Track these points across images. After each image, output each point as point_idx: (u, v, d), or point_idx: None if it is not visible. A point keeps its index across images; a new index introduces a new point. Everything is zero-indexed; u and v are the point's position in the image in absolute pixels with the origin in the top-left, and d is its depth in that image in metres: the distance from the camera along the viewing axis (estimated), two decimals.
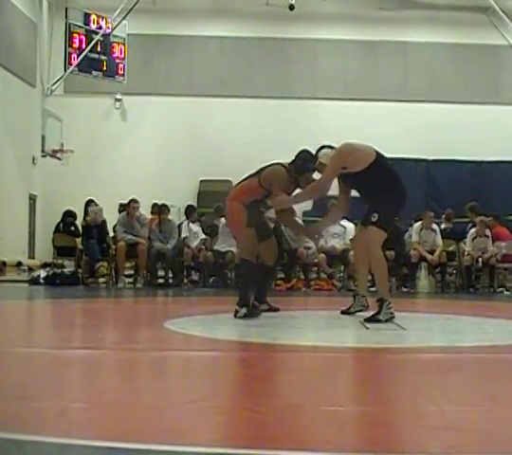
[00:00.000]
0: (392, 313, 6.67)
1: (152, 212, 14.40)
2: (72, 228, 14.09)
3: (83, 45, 18.24)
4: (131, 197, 13.54)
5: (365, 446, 2.63)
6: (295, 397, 3.53)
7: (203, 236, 13.75)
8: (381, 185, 7.03)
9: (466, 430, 2.82)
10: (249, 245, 7.35)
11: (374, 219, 6.87)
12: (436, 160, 20.28)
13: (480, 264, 13.34)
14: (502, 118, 20.22)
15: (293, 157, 7.36)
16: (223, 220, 13.60)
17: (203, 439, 2.64)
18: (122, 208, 14.15)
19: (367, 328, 6.42)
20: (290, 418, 3.02)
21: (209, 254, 13.30)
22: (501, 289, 13.34)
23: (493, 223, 14.10)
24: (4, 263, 16.28)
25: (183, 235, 13.50)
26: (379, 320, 6.59)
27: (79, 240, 13.80)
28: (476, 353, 5.12)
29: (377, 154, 7.19)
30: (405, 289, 13.16)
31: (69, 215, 14.21)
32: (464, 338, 6.27)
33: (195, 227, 13.72)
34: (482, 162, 19.96)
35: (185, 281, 13.52)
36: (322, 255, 13.15)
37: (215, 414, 3.04)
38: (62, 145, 17.79)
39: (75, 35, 18.28)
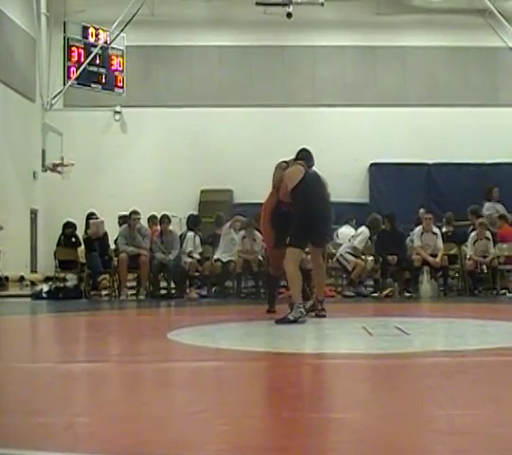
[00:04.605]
0: (301, 312, 7.63)
1: (149, 225, 14.32)
2: (73, 240, 14.07)
3: (82, 59, 18.27)
4: (132, 209, 13.55)
5: (371, 452, 2.63)
6: (301, 405, 3.53)
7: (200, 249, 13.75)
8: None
9: (471, 434, 2.83)
10: (276, 264, 8.69)
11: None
12: (437, 164, 20.28)
13: (485, 270, 13.34)
14: (502, 120, 20.21)
15: (294, 156, 8.57)
16: (225, 228, 13.62)
17: (209, 450, 2.65)
18: (122, 220, 14.13)
19: (370, 334, 6.42)
20: (296, 426, 3.02)
21: (217, 264, 13.23)
22: (503, 291, 13.31)
23: (501, 223, 14.10)
24: (6, 278, 16.26)
25: (189, 248, 13.45)
26: (289, 319, 7.50)
27: (81, 253, 13.78)
28: (480, 356, 5.12)
29: None
30: (407, 294, 13.14)
31: (68, 226, 14.19)
32: (468, 342, 6.27)
33: (198, 239, 13.70)
34: (482, 164, 19.95)
35: (188, 291, 13.47)
36: None
37: (221, 425, 3.04)
38: (62, 159, 17.80)
39: (73, 49, 18.32)
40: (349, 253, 13.34)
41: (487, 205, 15.00)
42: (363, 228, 13.57)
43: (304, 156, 8.54)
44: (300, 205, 8.13)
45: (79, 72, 18.12)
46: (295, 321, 7.50)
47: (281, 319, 7.55)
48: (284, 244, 8.35)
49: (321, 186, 8.33)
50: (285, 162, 8.67)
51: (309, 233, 8.08)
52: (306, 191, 8.13)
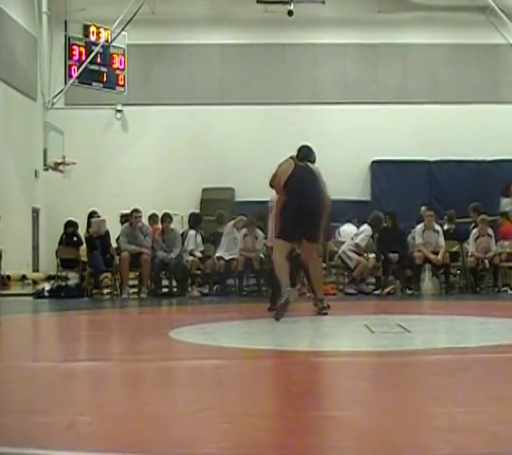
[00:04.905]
0: (288, 291, 7.79)
1: (150, 223, 14.32)
2: (74, 239, 14.07)
3: (83, 57, 18.25)
4: (133, 207, 13.55)
5: (372, 450, 2.63)
6: (302, 403, 3.53)
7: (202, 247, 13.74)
8: None
9: (473, 431, 2.83)
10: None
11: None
12: (438, 161, 20.27)
13: (487, 266, 13.31)
14: (503, 117, 20.19)
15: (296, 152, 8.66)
16: (228, 227, 13.60)
17: (211, 448, 2.65)
18: (124, 218, 14.14)
19: (372, 332, 6.42)
20: (297, 424, 3.02)
21: (219, 262, 13.21)
22: (505, 288, 13.30)
23: (503, 220, 14.09)
24: (8, 277, 16.27)
25: (190, 247, 13.45)
26: (281, 304, 7.67)
27: (82, 252, 13.79)
28: (482, 353, 5.12)
29: None
30: (409, 291, 13.13)
31: (70, 225, 14.20)
32: (469, 339, 6.27)
33: (199, 238, 13.69)
34: (483, 162, 19.94)
35: (190, 289, 13.48)
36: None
37: (223, 423, 3.05)
38: (63, 158, 17.79)
39: (75, 47, 18.30)
40: (352, 251, 13.34)
41: (505, 201, 14.99)
42: (366, 226, 13.57)
43: (304, 153, 8.63)
44: (288, 199, 8.25)
45: (80, 71, 18.12)
46: (287, 303, 7.65)
47: (275, 315, 7.62)
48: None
49: (312, 180, 8.33)
50: (292, 158, 8.70)
51: (297, 227, 8.16)
52: (294, 185, 8.21)
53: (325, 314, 8.17)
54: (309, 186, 8.28)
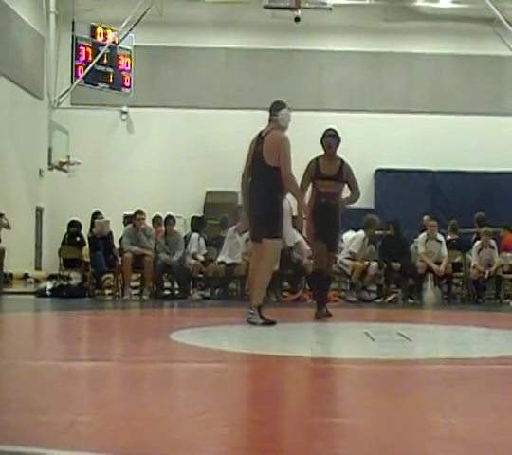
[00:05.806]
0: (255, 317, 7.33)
1: (154, 225, 14.33)
2: (77, 239, 14.07)
3: (90, 58, 18.35)
4: (137, 209, 13.56)
5: None
6: (302, 409, 3.53)
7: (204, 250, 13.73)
8: None
9: (473, 442, 2.83)
10: (316, 258, 8.46)
11: None
12: (442, 171, 20.29)
13: (486, 276, 13.28)
14: (507, 129, 20.22)
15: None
16: (229, 232, 13.59)
17: (210, 451, 2.65)
18: (127, 219, 14.16)
19: (373, 340, 6.41)
20: (297, 430, 3.02)
21: (220, 267, 13.20)
22: (507, 300, 13.27)
23: (504, 232, 14.08)
24: (11, 275, 16.29)
25: (193, 250, 13.44)
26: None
27: (85, 252, 13.80)
28: (483, 364, 5.11)
29: None
30: (411, 300, 13.11)
31: (73, 225, 14.20)
32: (470, 350, 6.25)
33: (202, 241, 13.69)
34: (487, 173, 19.95)
35: (192, 292, 13.48)
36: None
37: (222, 426, 3.04)
38: (68, 157, 17.85)
39: (81, 48, 18.41)
40: (346, 258, 13.31)
41: None
42: (359, 232, 13.60)
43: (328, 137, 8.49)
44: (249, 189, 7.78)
45: (86, 71, 18.19)
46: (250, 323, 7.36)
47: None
48: (323, 237, 8.19)
49: (258, 171, 7.80)
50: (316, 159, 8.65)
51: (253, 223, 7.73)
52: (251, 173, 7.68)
53: (253, 323, 7.41)
54: (254, 174, 7.73)
